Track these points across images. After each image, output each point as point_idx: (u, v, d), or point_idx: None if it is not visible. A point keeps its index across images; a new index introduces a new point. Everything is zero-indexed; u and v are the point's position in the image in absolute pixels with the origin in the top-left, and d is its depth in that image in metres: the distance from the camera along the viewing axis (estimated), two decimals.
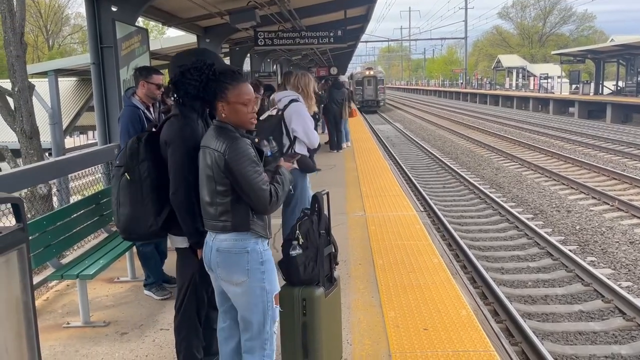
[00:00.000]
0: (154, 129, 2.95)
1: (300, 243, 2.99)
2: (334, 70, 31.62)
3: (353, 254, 5.37)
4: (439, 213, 10.72)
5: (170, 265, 4.59)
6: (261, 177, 2.56)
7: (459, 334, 3.73)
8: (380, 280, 4.76)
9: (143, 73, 4.63)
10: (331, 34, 12.65)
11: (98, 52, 6.53)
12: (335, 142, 13.49)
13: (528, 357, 5.33)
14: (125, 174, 2.82)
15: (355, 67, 55.28)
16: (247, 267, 2.57)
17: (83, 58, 15.98)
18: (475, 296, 4.36)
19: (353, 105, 16.28)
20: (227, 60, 15.70)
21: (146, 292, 4.61)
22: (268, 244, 2.73)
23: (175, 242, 2.98)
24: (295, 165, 2.91)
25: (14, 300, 3.03)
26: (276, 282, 2.68)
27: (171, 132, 2.82)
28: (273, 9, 11.95)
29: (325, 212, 3.19)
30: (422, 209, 7.33)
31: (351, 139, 15.02)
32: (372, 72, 41.87)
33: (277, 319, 2.69)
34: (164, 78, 4.70)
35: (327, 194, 3.22)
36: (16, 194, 3.58)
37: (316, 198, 3.12)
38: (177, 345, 3.07)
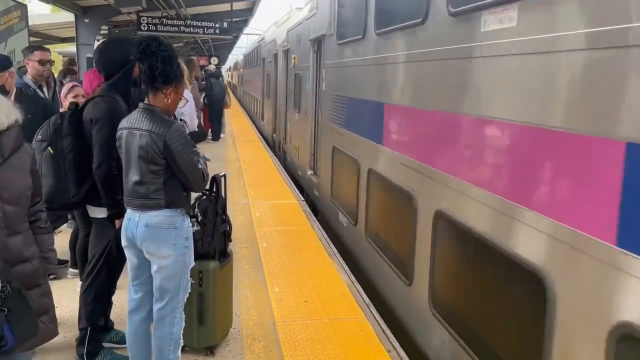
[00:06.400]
0: (76, 108, 3.09)
1: (199, 220, 3.27)
2: (214, 60, 30.98)
3: (239, 238, 5.68)
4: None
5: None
6: (196, 157, 2.78)
7: (334, 305, 4.22)
8: (265, 261, 5.14)
9: (25, 52, 4.64)
10: (217, 25, 12.72)
11: None
12: (215, 132, 13.57)
13: None
14: (48, 148, 2.95)
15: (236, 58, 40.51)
16: (174, 242, 2.76)
17: None
18: (349, 274, 4.89)
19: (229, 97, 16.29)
20: None
21: None
22: (191, 221, 2.95)
23: (94, 212, 3.14)
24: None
25: None
26: (193, 257, 2.92)
27: (98, 111, 3.00)
28: None
29: (223, 193, 3.50)
30: (302, 199, 7.81)
31: (232, 130, 15.17)
32: None
33: (189, 290, 2.93)
34: (49, 54, 4.69)
35: (225, 176, 3.52)
36: None
37: (215, 179, 3.42)
38: (81, 310, 3.17)
